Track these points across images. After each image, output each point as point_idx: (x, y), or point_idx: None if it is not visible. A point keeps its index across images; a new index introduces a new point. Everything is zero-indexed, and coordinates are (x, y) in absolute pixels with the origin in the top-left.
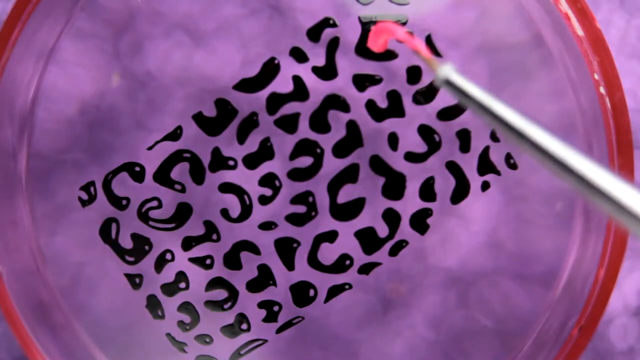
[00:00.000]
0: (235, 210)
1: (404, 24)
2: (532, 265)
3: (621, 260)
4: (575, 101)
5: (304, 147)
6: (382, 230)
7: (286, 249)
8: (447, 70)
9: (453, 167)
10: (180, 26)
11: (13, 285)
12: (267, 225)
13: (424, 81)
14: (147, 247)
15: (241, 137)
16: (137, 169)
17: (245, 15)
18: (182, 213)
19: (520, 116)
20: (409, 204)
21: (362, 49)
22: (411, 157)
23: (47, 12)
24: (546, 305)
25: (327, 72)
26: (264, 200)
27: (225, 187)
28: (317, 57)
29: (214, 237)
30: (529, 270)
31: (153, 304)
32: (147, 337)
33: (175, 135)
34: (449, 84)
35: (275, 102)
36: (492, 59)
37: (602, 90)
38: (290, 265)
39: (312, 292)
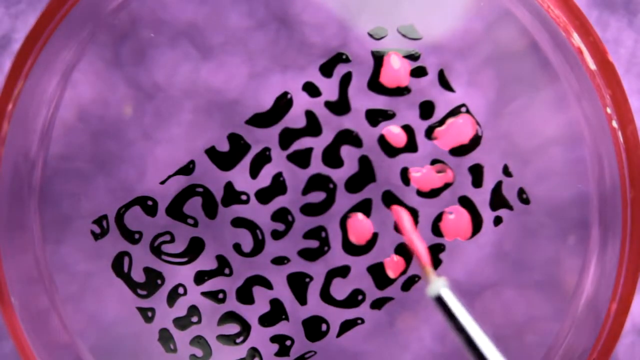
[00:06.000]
0: (248, 244)
1: (417, 58)
2: (534, 275)
3: (633, 293)
4: (590, 140)
5: (317, 182)
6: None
7: (299, 283)
8: (439, 286)
9: (466, 202)
10: (187, 39)
11: (25, 319)
12: (279, 260)
13: (437, 116)
14: (159, 281)
15: (254, 172)
16: (150, 203)
17: (253, 27)
18: (195, 247)
19: (494, 350)
20: (422, 239)
21: (375, 84)
22: (424, 192)
23: (66, 30)
24: (558, 321)
25: (340, 107)
26: (277, 235)
27: (238, 222)
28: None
29: (227, 271)
30: (531, 280)
31: (165, 338)
32: None
33: (187, 169)
34: (438, 299)
35: (288, 137)
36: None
37: (614, 124)
38: (302, 299)
39: (324, 327)
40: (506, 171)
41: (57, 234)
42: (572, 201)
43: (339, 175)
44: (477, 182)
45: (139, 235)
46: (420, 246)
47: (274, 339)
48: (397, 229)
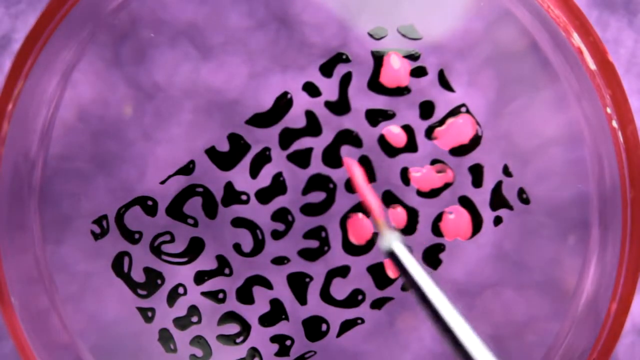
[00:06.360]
0: (248, 244)
1: (417, 58)
2: (534, 275)
3: (633, 293)
4: (589, 140)
5: (317, 182)
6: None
7: (299, 283)
8: (392, 240)
9: (466, 202)
10: (187, 39)
11: (25, 317)
12: (279, 260)
13: (437, 116)
14: (159, 281)
15: (254, 172)
16: (150, 203)
17: (253, 27)
18: (195, 247)
19: (448, 303)
20: (422, 239)
21: (375, 84)
22: (424, 192)
23: (66, 30)
24: (558, 321)
25: (340, 107)
26: (277, 235)
27: (238, 222)
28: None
29: (227, 271)
30: (531, 280)
31: (165, 338)
32: None
33: (187, 169)
34: (390, 253)
35: (288, 137)
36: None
37: (614, 124)
38: (302, 299)
39: (324, 327)
40: (506, 171)
41: (57, 234)
42: (572, 201)
43: (339, 175)
44: (477, 182)
45: (139, 235)
46: (372, 199)
47: (274, 339)
48: (349, 183)
